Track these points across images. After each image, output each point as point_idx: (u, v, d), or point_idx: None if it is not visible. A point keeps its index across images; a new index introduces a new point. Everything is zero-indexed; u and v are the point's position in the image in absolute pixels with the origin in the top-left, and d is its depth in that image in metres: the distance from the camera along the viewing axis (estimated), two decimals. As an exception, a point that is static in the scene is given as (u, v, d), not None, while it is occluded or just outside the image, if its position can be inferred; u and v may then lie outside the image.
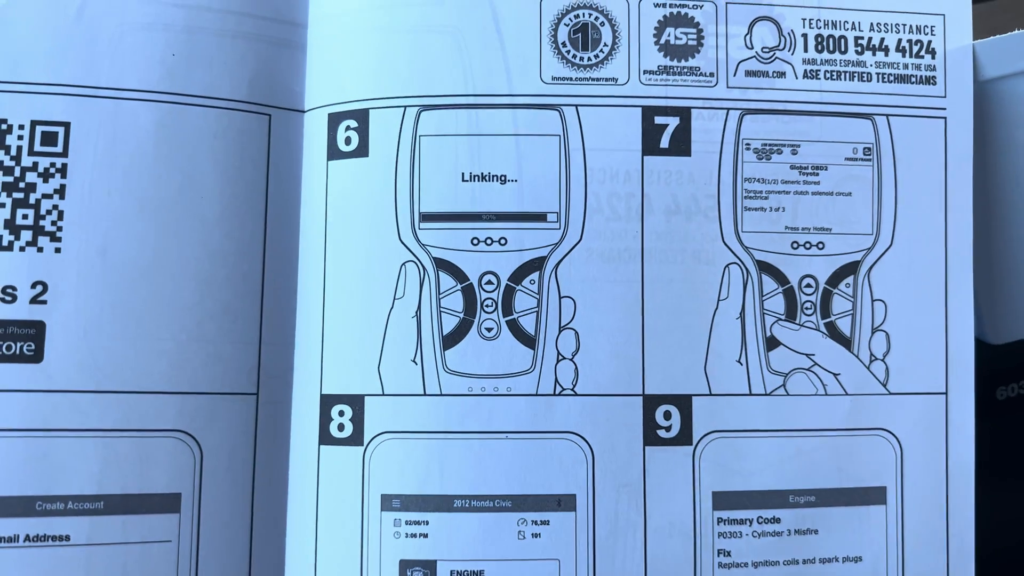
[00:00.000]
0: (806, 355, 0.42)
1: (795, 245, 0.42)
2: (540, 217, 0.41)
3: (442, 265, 0.41)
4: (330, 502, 0.40)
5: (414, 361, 0.41)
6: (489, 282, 0.41)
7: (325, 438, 0.41)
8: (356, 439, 0.41)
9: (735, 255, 0.42)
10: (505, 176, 0.41)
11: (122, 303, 0.41)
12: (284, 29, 0.43)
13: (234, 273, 0.42)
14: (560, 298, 0.41)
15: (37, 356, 0.40)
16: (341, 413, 0.41)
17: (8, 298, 0.40)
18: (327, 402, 0.41)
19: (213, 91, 0.42)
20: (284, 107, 0.43)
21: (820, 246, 0.42)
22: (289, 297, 0.42)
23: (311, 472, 0.41)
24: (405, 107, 0.41)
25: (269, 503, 0.42)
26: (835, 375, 0.42)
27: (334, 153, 0.42)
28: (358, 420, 0.41)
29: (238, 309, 0.42)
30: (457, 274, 0.41)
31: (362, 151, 0.41)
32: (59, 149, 0.41)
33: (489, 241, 0.41)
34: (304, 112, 0.42)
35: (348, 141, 0.41)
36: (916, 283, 0.43)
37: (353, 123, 0.41)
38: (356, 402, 0.41)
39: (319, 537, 0.40)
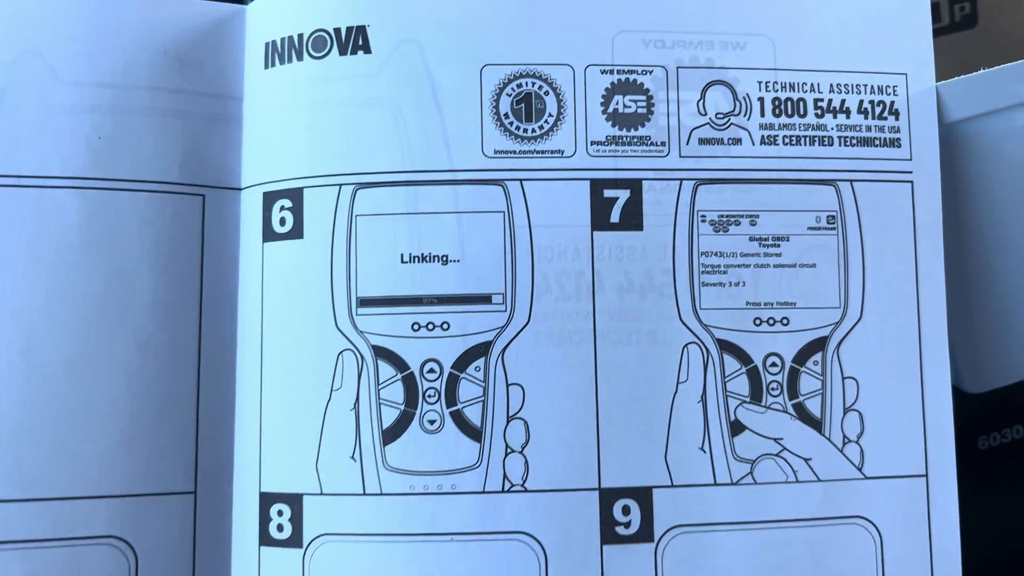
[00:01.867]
0: (774, 439, 0.28)
1: (758, 322, 0.29)
2: (484, 299, 0.28)
3: (381, 353, 0.28)
4: (268, 609, 0.27)
5: (353, 458, 0.28)
6: (431, 370, 0.28)
7: (265, 539, 0.28)
8: (295, 541, 0.28)
9: (694, 334, 0.28)
10: (447, 256, 0.28)
11: (48, 404, 0.30)
12: (219, 104, 0.30)
13: (168, 366, 0.30)
14: (508, 386, 0.28)
15: (-43, 464, 0.28)
16: (280, 513, 0.28)
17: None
18: (266, 501, 0.28)
19: (143, 174, 0.30)
20: (219, 186, 0.30)
21: (784, 322, 0.29)
22: (227, 389, 0.30)
23: (252, 575, 0.27)
24: (340, 185, 0.28)
25: (205, 610, 0.29)
26: (806, 460, 0.28)
27: (269, 234, 0.29)
28: (297, 520, 0.28)
29: (173, 404, 0.30)
30: (397, 363, 0.28)
31: (297, 232, 0.28)
32: (-20, 240, 0.28)
33: (431, 326, 0.28)
34: (240, 190, 0.29)
35: (283, 222, 0.29)
36: (889, 358, 0.29)
37: (287, 203, 0.29)
38: (295, 501, 0.28)
39: (255, 649, 0.27)
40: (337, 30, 0.30)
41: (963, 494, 0.31)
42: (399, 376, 0.29)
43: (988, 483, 0.38)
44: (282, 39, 0.30)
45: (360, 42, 0.30)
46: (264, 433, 0.30)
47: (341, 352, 0.29)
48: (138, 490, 0.30)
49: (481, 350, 0.29)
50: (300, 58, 0.30)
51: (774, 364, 0.30)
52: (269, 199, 0.30)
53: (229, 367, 0.31)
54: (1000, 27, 0.42)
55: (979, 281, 0.33)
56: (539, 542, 0.29)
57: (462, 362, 0.29)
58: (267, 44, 0.31)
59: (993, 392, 0.35)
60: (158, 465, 0.30)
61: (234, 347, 0.31)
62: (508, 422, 0.29)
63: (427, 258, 0.29)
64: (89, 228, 0.30)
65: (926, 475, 0.30)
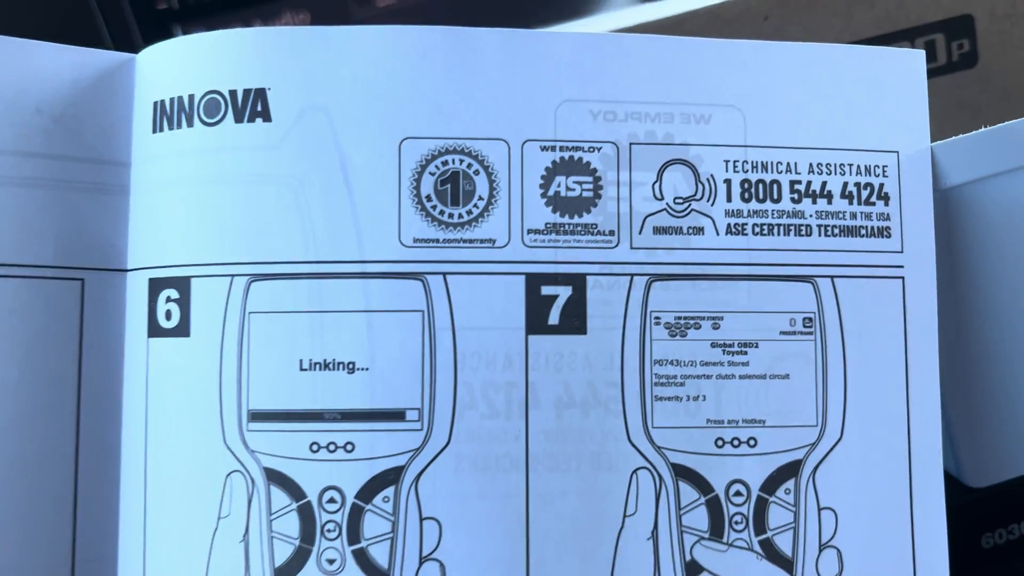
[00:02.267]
0: None
1: (720, 443, 0.22)
2: (397, 416, 0.22)
3: (274, 477, 0.22)
4: None
5: (240, 598, 0.21)
6: (332, 500, 0.22)
7: None
8: None
9: (645, 457, 0.22)
10: (354, 364, 0.22)
11: None
12: (102, 171, 0.25)
13: (40, 483, 0.25)
14: (421, 520, 0.22)
15: None
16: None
17: None
18: None
19: (8, 256, 0.23)
20: (102, 267, 0.24)
21: (751, 443, 0.22)
22: (109, 508, 0.24)
23: None
24: (233, 276, 0.22)
25: None
26: None
27: (155, 329, 0.23)
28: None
29: (46, 525, 0.25)
30: (292, 489, 0.22)
31: (183, 329, 0.22)
32: None
33: (332, 447, 0.22)
34: (126, 272, 0.22)
35: (169, 315, 0.22)
36: (873, 485, 0.23)
37: (174, 293, 0.22)
38: None
39: None
40: (233, 93, 0.24)
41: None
42: (294, 505, 0.23)
43: (994, 584, 0.32)
44: (171, 99, 0.24)
45: (259, 108, 0.24)
46: (148, 562, 0.23)
47: (229, 474, 0.23)
48: (-4, 627, 0.23)
49: (391, 477, 0.23)
50: (191, 123, 0.24)
51: (739, 493, 0.24)
52: (155, 287, 0.24)
53: (111, 483, 0.24)
54: (1002, 67, 0.36)
55: (981, 366, 0.27)
56: None
57: (368, 491, 0.23)
58: (155, 104, 0.24)
59: (997, 486, 0.30)
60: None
61: (118, 459, 0.24)
62: (421, 564, 0.23)
63: (330, 365, 0.23)
64: (-58, 320, 0.24)
65: None
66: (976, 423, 0.29)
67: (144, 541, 0.24)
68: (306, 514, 0.23)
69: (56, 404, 0.25)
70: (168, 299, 0.25)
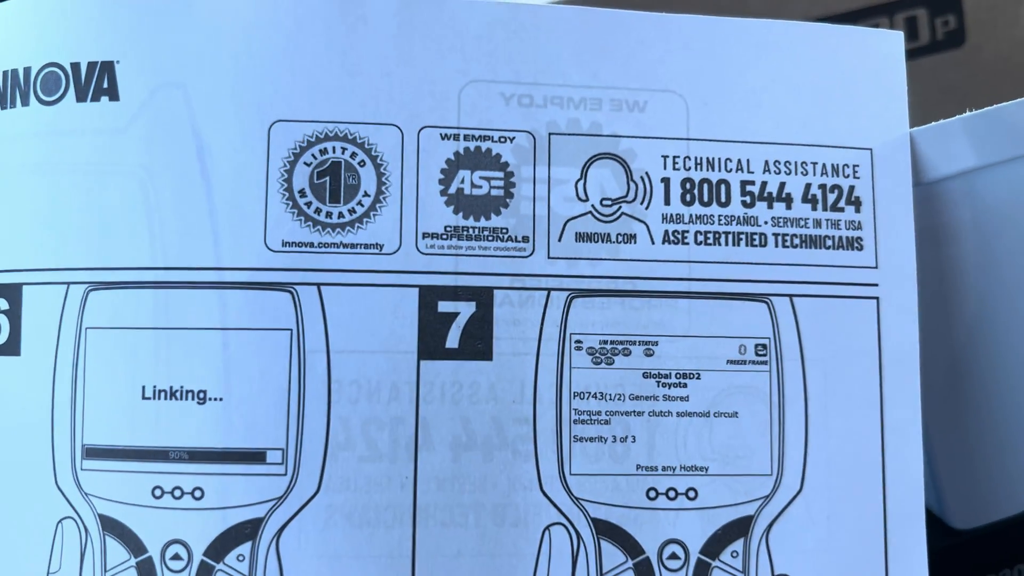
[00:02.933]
0: None
1: (653, 494, 0.19)
2: (256, 457, 0.18)
3: (110, 527, 0.18)
4: None
5: (62, 677, 0.17)
6: (176, 557, 0.18)
7: None
8: None
9: (560, 511, 0.19)
10: (205, 393, 0.19)
11: None
12: None
13: None
14: (285, 587, 0.17)
15: None
16: None
17: None
18: None
19: None
20: None
21: (691, 495, 0.19)
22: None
23: None
24: (69, 284, 0.19)
25: None
26: None
27: None
28: None
29: None
30: (131, 542, 0.19)
31: (12, 347, 0.19)
32: None
33: (178, 492, 0.18)
34: None
35: None
36: (840, 547, 0.20)
37: (3, 303, 0.18)
38: None
39: None
40: (75, 66, 0.20)
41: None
42: (133, 561, 0.19)
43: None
44: (4, 73, 0.20)
45: (105, 84, 0.20)
46: None
47: (61, 520, 0.19)
48: None
49: (247, 531, 0.19)
50: (26, 102, 0.20)
51: (674, 556, 0.19)
52: None
53: None
54: (992, 46, 0.32)
55: (973, 392, 0.24)
56: None
57: (220, 547, 0.19)
58: (-12, 80, 0.20)
59: (987, 527, 0.26)
60: None
61: None
62: (281, 639, 0.18)
63: (178, 394, 0.19)
64: None
65: None
66: (964, 458, 0.25)
67: (-38, 601, 0.20)
68: (146, 573, 0.19)
69: None
70: (-3, 311, 0.20)
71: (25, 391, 0.20)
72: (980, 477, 0.25)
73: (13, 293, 0.21)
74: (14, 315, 0.21)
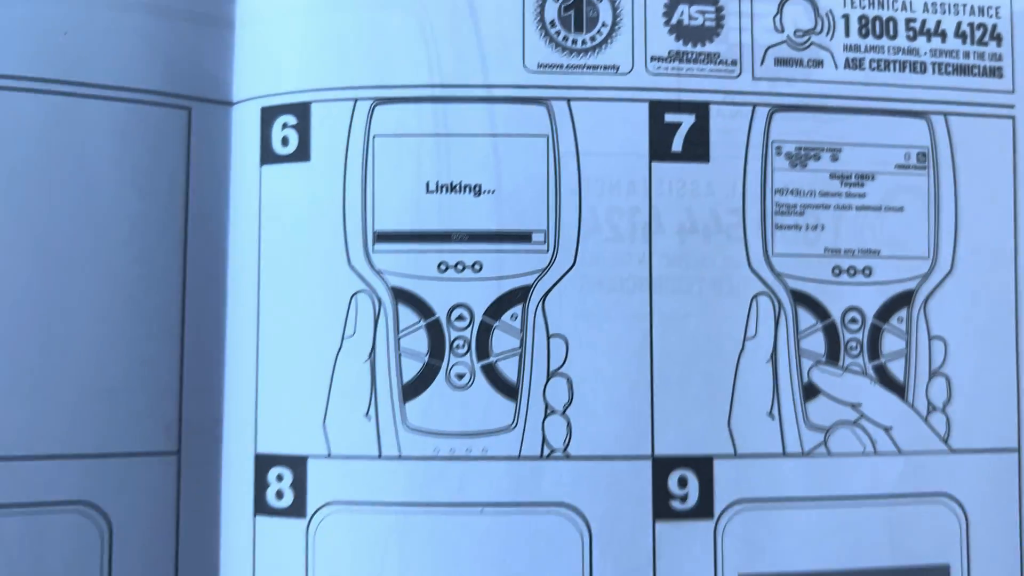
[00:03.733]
0: (851, 405, 0.23)
1: (837, 271, 0.23)
2: (523, 237, 0.22)
3: (402, 296, 0.22)
4: (264, 589, 0.22)
5: (367, 416, 0.23)
6: (460, 317, 0.22)
7: (261, 507, 0.23)
8: (298, 510, 0.23)
9: (764, 283, 0.23)
10: (480, 186, 0.23)
11: (8, 353, 0.24)
12: (209, 2, 0.24)
13: (147, 308, 0.25)
14: (548, 337, 0.23)
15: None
16: (279, 478, 0.23)
17: None
18: (262, 464, 0.23)
19: (118, 79, 0.24)
20: (208, 99, 0.25)
21: (867, 272, 0.23)
22: (216, 335, 0.25)
23: (245, 548, 0.24)
24: (356, 100, 0.23)
25: (191, 588, 0.23)
26: (886, 429, 0.23)
27: (268, 156, 0.23)
28: (300, 486, 0.23)
29: (153, 352, 0.25)
30: (421, 308, 0.22)
31: (302, 154, 0.23)
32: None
33: (460, 267, 0.22)
34: (232, 105, 0.23)
35: (285, 142, 0.23)
36: (982, 317, 0.25)
37: (291, 119, 0.23)
38: (297, 464, 0.23)
39: (249, 636, 0.22)
40: None
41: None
42: (422, 323, 0.24)
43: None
44: None
45: None
46: (261, 388, 0.24)
47: (355, 294, 0.24)
48: (112, 449, 0.24)
49: (518, 295, 0.24)
50: None
51: (854, 320, 0.25)
52: (268, 115, 0.24)
53: (219, 308, 0.25)
54: None
55: None
56: (582, 516, 0.23)
57: (496, 309, 0.24)
58: (271, -68, 0.24)
59: None
60: (136, 421, 0.25)
61: (224, 285, 0.25)
62: (549, 379, 0.23)
63: (457, 188, 0.24)
64: (51, 141, 0.24)
65: (1019, 449, 0.25)
66: None
67: (256, 366, 0.25)
68: (435, 331, 0.24)
69: (163, 229, 0.25)
70: (285, 125, 0.25)
71: (317, 189, 0.25)
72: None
73: (302, 110, 0.25)
74: (303, 128, 0.25)
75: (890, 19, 0.26)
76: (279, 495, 0.24)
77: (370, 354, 0.24)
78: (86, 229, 0.25)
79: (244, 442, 0.25)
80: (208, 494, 0.25)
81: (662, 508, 0.24)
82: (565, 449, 0.24)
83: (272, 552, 0.24)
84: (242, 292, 0.25)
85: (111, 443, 0.25)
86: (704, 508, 0.24)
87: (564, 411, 0.24)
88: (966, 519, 0.25)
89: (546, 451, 0.24)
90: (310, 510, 0.24)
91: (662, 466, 0.24)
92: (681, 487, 0.24)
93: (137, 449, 0.25)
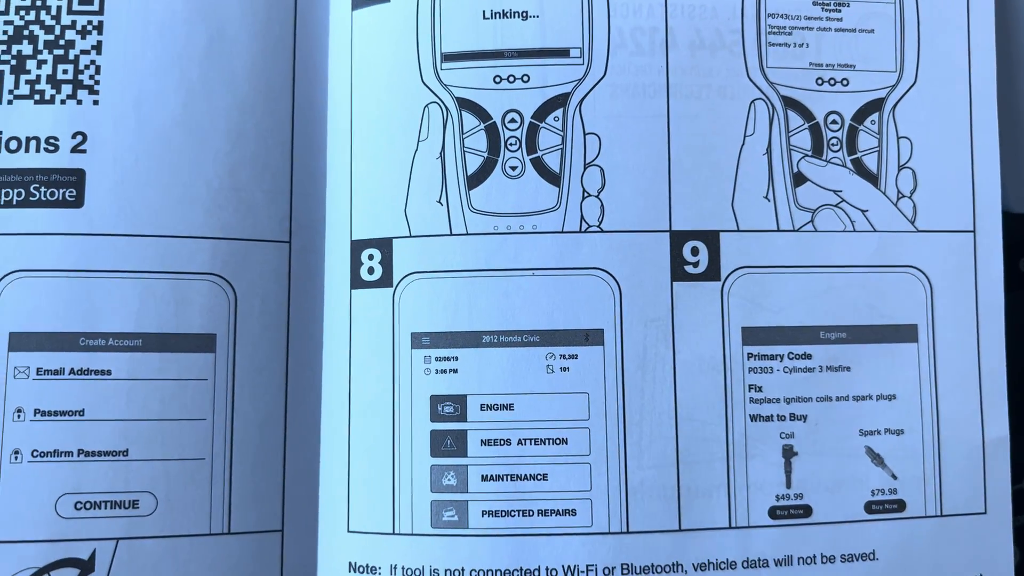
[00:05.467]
0: (833, 191, 0.29)
1: (820, 81, 0.29)
2: (563, 53, 0.29)
3: (465, 105, 0.29)
4: (362, 342, 0.30)
5: (440, 202, 0.29)
6: (512, 120, 0.29)
7: (356, 282, 0.29)
8: (386, 281, 0.29)
9: (760, 91, 0.29)
10: (527, 12, 0.29)
11: (156, 152, 0.31)
12: None
13: (263, 124, 0.31)
14: (585, 135, 0.29)
15: (78, 202, 0.31)
16: (371, 257, 0.29)
17: (51, 148, 0.31)
18: (357, 247, 0.29)
19: None
20: None
21: (844, 83, 0.30)
22: (318, 148, 0.31)
23: (343, 315, 0.30)
24: None
25: (302, 345, 0.31)
26: (863, 211, 0.29)
27: (359, 1, 0.29)
28: (387, 262, 0.29)
29: (268, 159, 0.32)
30: (480, 113, 0.29)
31: None
32: (95, 7, 0.32)
33: (512, 79, 0.29)
34: None
35: None
36: (941, 121, 0.30)
37: None
38: (385, 245, 0.29)
39: (352, 376, 0.29)
40: None
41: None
42: (482, 126, 0.30)
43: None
44: None
45: None
46: (355, 187, 0.31)
47: (427, 105, 0.30)
48: (237, 234, 0.31)
49: (559, 101, 0.30)
50: None
51: (834, 121, 0.31)
52: None
53: (320, 124, 0.32)
54: None
55: None
56: (614, 277, 0.30)
57: (542, 112, 0.30)
58: None
59: None
60: (255, 213, 0.31)
61: (324, 107, 0.32)
62: (585, 168, 0.30)
63: (508, 14, 0.30)
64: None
65: (974, 231, 0.31)
66: (1020, 151, 0.34)
67: (350, 169, 0.31)
68: (492, 132, 0.31)
69: (276, 63, 0.32)
70: (370, -25, 0.32)
71: (395, 24, 0.31)
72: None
73: (384, -40, 0.32)
74: (384, -24, 0.32)
75: None
76: (371, 271, 0.31)
77: (440, 153, 0.31)
78: (218, 61, 0.32)
79: (342, 230, 0.32)
80: (313, 273, 0.32)
81: (678, 271, 0.31)
82: (599, 224, 0.31)
83: (365, 318, 0.31)
84: (339, 111, 0.32)
85: (237, 230, 0.32)
86: (712, 272, 0.31)
87: (598, 194, 0.31)
88: (931, 287, 0.31)
89: (584, 226, 0.31)
90: (395, 280, 0.31)
91: (678, 238, 0.31)
92: (693, 255, 0.31)
93: (257, 236, 0.32)
